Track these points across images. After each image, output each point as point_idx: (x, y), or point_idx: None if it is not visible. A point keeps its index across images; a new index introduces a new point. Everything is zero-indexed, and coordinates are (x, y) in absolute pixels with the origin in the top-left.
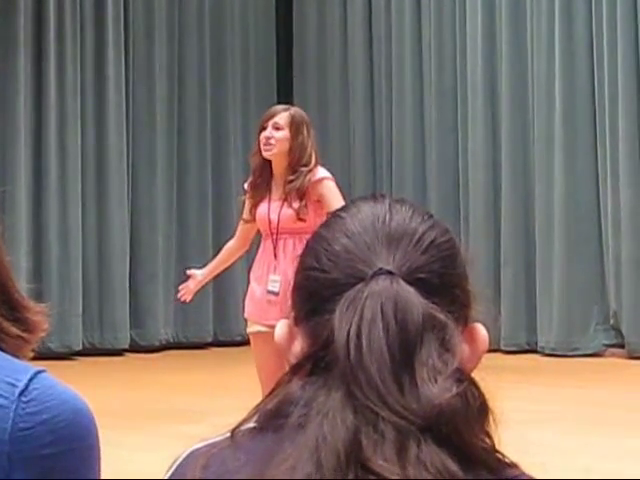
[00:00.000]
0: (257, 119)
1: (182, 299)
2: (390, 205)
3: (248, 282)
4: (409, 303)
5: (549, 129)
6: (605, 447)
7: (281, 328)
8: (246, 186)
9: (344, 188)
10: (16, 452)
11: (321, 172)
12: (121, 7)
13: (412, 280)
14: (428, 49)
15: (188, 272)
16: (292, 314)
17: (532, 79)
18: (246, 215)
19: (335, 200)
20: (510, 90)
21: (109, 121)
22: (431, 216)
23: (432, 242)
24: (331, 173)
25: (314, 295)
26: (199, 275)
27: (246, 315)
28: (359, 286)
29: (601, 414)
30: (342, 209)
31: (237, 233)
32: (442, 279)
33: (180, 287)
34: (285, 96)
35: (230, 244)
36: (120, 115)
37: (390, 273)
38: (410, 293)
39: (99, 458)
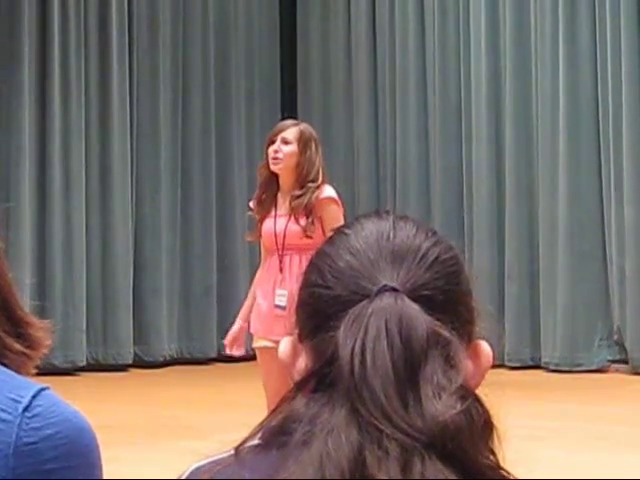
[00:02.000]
0: (262, 133)
1: (237, 354)
2: (394, 222)
3: (246, 296)
4: (413, 320)
5: (553, 144)
6: (609, 463)
7: (285, 345)
8: (251, 204)
9: (348, 201)
10: (20, 466)
11: (328, 191)
12: (125, 20)
13: (416, 297)
14: (432, 63)
15: (230, 335)
16: (296, 331)
17: (536, 94)
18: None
19: (334, 225)
20: (514, 105)
21: (113, 135)
22: (435, 233)
23: (436, 259)
24: (335, 186)
25: (318, 312)
26: (241, 323)
27: (252, 330)
28: (363, 303)
29: (605, 430)
30: (346, 226)
31: (263, 260)
32: (446, 296)
33: (227, 343)
34: (289, 111)
35: (260, 274)
36: (124, 129)
37: (394, 290)
38: (414, 310)
39: (101, 477)
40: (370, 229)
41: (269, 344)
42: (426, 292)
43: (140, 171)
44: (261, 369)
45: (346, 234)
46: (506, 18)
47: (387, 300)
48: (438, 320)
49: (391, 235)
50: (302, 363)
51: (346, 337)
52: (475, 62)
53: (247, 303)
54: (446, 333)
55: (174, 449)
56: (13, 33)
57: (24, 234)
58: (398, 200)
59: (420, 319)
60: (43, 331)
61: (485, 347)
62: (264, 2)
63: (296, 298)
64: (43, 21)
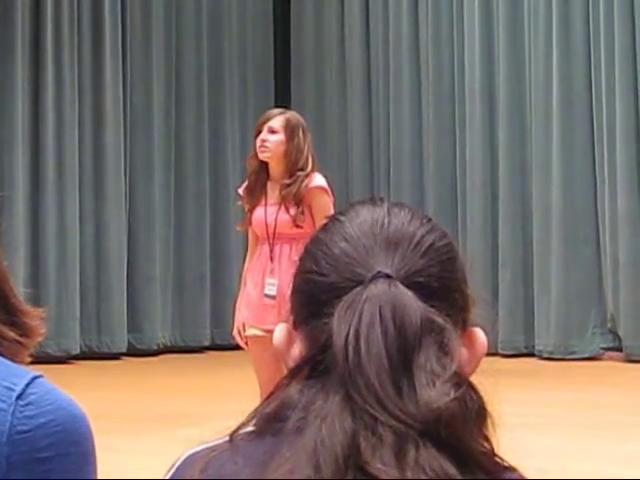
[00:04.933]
0: (255, 123)
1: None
2: (389, 209)
3: (239, 285)
4: (407, 307)
5: (546, 133)
6: (603, 450)
7: (280, 332)
8: (240, 191)
9: (342, 191)
10: (14, 454)
11: (317, 180)
12: (118, 13)
13: (410, 284)
14: (425, 53)
15: (236, 328)
16: (291, 318)
17: (529, 83)
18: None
19: (324, 214)
20: (507, 94)
21: (106, 126)
22: (429, 220)
23: (431, 246)
24: (329, 176)
25: (313, 299)
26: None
27: (243, 319)
28: (358, 289)
29: (599, 417)
30: (341, 213)
31: (251, 249)
32: (441, 283)
33: (235, 335)
34: (282, 100)
35: (250, 263)
36: (117, 119)
37: (388, 277)
38: (408, 297)
39: (95, 465)
40: (365, 216)
41: (260, 333)
42: (420, 279)
43: (134, 161)
44: (252, 357)
45: (341, 221)
46: (499, 5)
47: (381, 287)
48: (432, 307)
49: (386, 222)
50: (296, 350)
51: (340, 324)
52: (468, 50)
53: (241, 293)
54: (440, 320)
55: (168, 437)
56: (6, 21)
57: (17, 223)
58: (392, 188)
59: (414, 306)
60: (38, 319)
61: (480, 334)
62: None
63: (290, 285)
64: (36, 11)
